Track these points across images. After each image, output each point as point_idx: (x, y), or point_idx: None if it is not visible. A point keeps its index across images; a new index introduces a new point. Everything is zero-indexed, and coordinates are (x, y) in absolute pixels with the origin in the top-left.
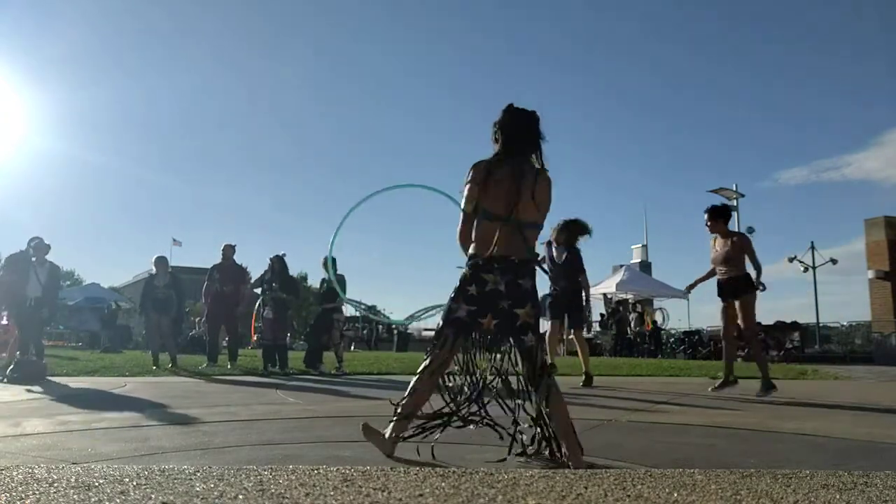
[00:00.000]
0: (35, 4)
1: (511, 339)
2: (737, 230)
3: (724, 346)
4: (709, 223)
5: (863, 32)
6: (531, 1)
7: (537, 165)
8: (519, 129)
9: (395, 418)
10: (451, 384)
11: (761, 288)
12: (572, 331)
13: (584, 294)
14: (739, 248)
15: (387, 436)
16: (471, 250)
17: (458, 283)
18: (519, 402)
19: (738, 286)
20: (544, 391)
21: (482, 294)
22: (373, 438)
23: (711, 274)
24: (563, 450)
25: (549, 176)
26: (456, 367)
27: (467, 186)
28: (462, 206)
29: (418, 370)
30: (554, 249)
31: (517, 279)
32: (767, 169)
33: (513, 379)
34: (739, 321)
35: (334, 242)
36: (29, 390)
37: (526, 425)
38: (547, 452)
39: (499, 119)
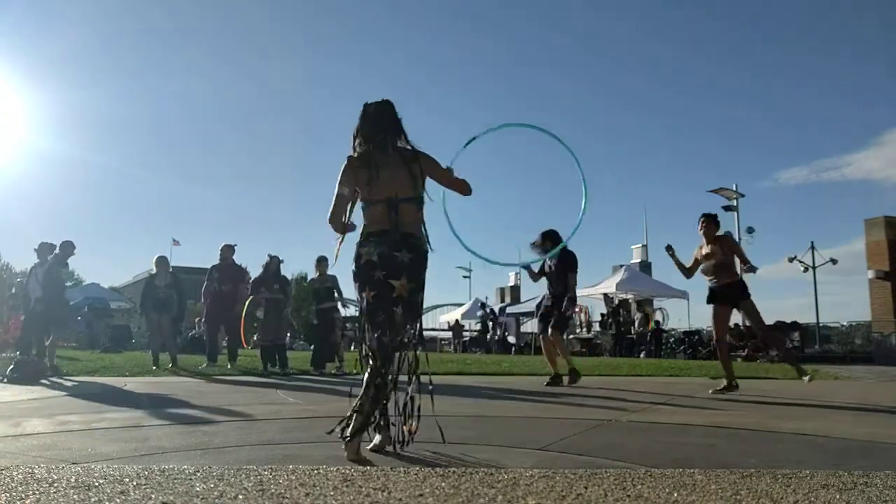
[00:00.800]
0: (35, 4)
1: (384, 313)
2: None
3: (719, 351)
4: (705, 226)
5: (863, 32)
6: (531, 1)
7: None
8: (367, 125)
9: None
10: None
11: (754, 270)
12: (550, 330)
13: (568, 294)
14: (730, 248)
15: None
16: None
17: None
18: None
19: (735, 294)
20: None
21: (358, 268)
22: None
23: (692, 269)
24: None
25: (416, 153)
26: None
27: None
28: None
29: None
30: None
31: (392, 251)
32: (767, 169)
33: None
34: (743, 325)
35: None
36: (29, 390)
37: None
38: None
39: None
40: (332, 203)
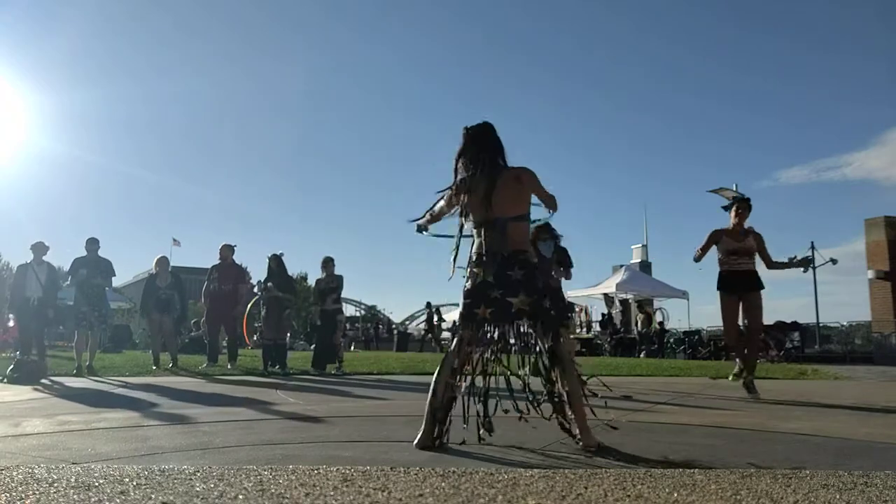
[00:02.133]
0: (36, 6)
1: (508, 327)
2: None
3: (729, 340)
4: (740, 213)
5: (864, 31)
6: (529, 2)
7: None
8: (468, 148)
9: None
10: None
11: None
12: None
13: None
14: (760, 244)
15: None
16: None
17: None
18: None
19: (757, 280)
20: (559, 365)
21: (473, 287)
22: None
23: (706, 249)
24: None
25: (517, 170)
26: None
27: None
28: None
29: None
30: (540, 245)
31: (505, 270)
32: (767, 168)
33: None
34: (746, 318)
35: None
36: (29, 390)
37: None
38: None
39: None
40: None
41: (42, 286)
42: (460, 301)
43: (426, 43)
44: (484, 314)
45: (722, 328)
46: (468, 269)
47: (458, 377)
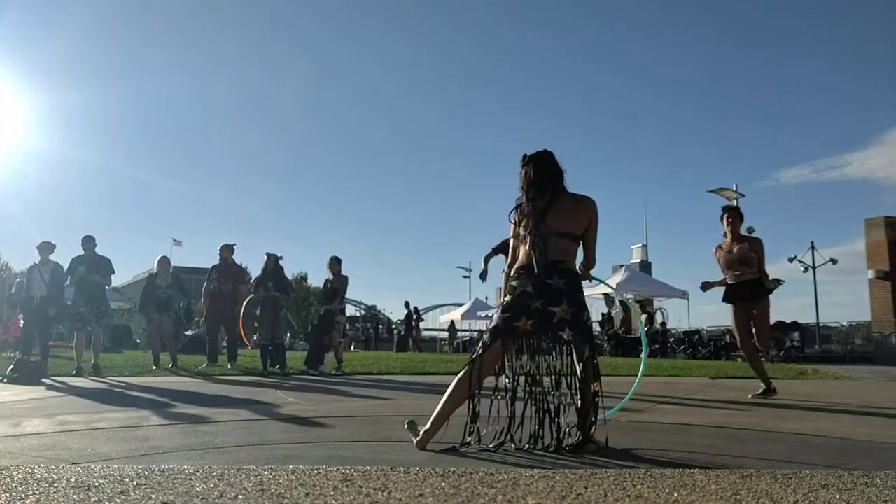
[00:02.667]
0: (35, 8)
1: (550, 335)
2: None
3: (747, 355)
4: (731, 222)
5: (864, 31)
6: (530, 7)
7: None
8: (532, 178)
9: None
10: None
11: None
12: None
13: None
14: (758, 251)
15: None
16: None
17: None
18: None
19: (757, 289)
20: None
21: (513, 299)
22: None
23: (725, 281)
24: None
25: (579, 196)
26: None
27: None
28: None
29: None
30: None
31: (546, 280)
32: (768, 168)
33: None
34: (754, 326)
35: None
36: (29, 390)
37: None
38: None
39: (521, 172)
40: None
41: (46, 285)
42: (496, 314)
43: (424, 52)
44: (525, 326)
45: (722, 328)
46: (506, 285)
47: (479, 388)
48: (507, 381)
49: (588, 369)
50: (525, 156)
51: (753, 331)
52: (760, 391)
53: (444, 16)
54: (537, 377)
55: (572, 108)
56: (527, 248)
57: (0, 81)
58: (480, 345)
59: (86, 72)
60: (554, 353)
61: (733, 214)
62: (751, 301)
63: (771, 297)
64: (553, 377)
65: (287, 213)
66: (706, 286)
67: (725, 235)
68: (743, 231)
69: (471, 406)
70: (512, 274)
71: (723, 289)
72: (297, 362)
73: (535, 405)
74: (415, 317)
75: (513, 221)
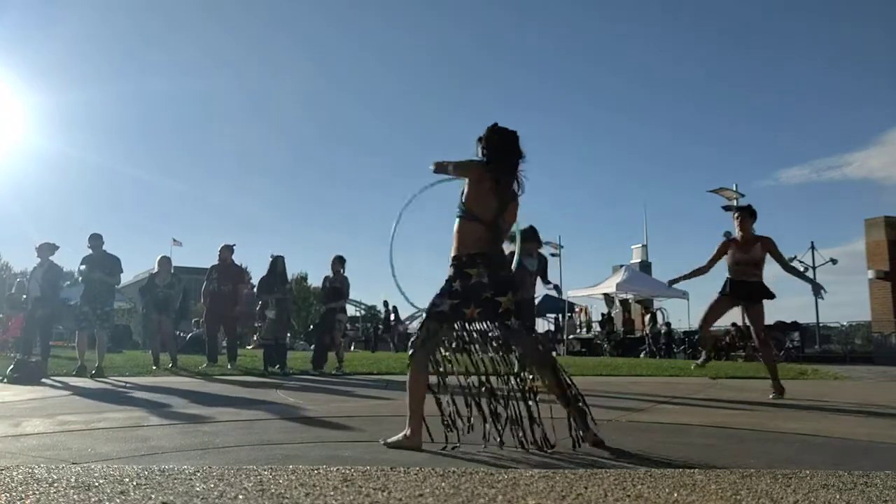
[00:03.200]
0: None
1: (496, 324)
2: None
3: (762, 353)
4: (742, 221)
5: (864, 31)
6: (529, 6)
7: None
8: (504, 148)
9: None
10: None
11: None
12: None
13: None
14: (771, 250)
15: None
16: (453, 251)
17: (444, 282)
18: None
19: (765, 291)
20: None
21: (466, 287)
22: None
23: (699, 273)
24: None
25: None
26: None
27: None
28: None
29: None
30: (524, 258)
31: (499, 271)
32: (768, 168)
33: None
34: (743, 325)
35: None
36: (29, 390)
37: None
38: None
39: (485, 136)
40: (459, 163)
41: (40, 285)
42: (443, 298)
43: (423, 50)
44: (473, 314)
45: (722, 328)
46: (456, 268)
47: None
48: (479, 377)
49: (542, 359)
50: (501, 128)
51: (736, 325)
52: (773, 395)
53: (445, 15)
54: (496, 369)
55: (572, 109)
56: (486, 232)
57: (0, 81)
58: (423, 331)
59: (86, 71)
60: (502, 343)
61: (743, 213)
62: (748, 301)
63: (771, 296)
64: (508, 369)
65: (287, 213)
66: (674, 282)
67: (739, 235)
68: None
69: (444, 403)
70: (464, 259)
71: (717, 284)
72: (297, 362)
73: (502, 401)
74: (393, 316)
75: (476, 171)
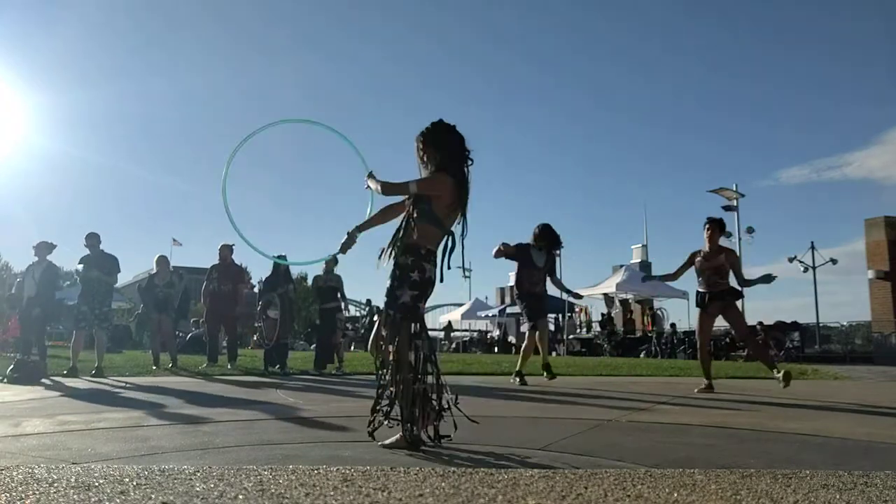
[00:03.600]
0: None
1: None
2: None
3: (700, 354)
4: (710, 233)
5: (864, 31)
6: (530, 4)
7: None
8: (461, 152)
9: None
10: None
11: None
12: (539, 327)
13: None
14: (733, 262)
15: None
16: (412, 241)
17: (398, 272)
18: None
19: (731, 295)
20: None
21: (423, 280)
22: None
23: (669, 279)
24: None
25: None
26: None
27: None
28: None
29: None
30: (533, 252)
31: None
32: (768, 168)
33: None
34: (733, 329)
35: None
36: (29, 390)
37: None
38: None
39: (438, 137)
40: (427, 181)
41: (36, 284)
42: (404, 289)
43: (425, 45)
44: (422, 310)
45: (722, 328)
46: (414, 259)
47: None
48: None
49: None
50: (450, 125)
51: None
52: (704, 386)
53: (446, 12)
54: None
55: (572, 108)
56: (440, 234)
57: (1, 80)
58: (390, 326)
59: (87, 70)
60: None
61: (713, 226)
62: (721, 308)
63: (770, 296)
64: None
65: (287, 213)
66: (647, 279)
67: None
68: (743, 231)
69: (430, 398)
70: (423, 252)
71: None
72: (297, 362)
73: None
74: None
75: (449, 175)
